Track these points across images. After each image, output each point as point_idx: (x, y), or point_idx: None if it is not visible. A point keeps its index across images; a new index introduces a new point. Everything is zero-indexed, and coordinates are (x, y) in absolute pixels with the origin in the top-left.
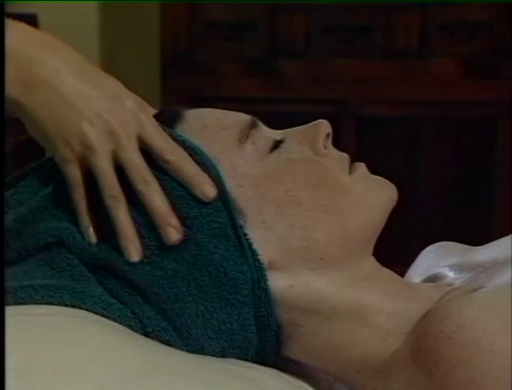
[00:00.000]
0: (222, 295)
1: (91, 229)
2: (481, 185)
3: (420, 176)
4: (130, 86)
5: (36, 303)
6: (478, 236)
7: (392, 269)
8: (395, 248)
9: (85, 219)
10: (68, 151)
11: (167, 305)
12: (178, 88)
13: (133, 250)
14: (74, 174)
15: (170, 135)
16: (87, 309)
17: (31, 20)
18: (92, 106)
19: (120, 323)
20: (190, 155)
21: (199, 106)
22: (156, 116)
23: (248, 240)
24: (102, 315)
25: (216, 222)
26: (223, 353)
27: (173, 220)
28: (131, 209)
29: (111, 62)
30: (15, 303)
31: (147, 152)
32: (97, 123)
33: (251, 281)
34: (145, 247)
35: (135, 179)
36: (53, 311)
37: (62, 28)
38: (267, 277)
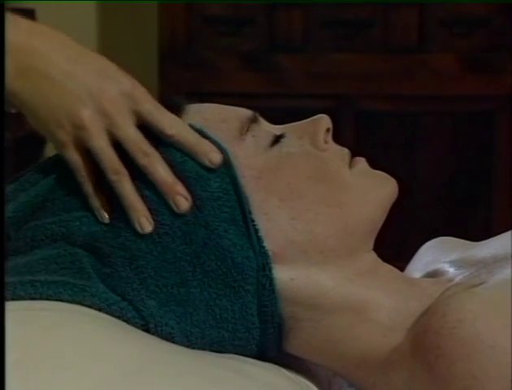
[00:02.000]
0: (227, 282)
1: (102, 209)
2: (480, 180)
3: (419, 171)
4: None
5: (35, 299)
6: (477, 231)
7: (390, 264)
8: (393, 242)
9: (95, 201)
10: (63, 134)
11: (173, 289)
12: (176, 83)
13: (144, 221)
14: (73, 156)
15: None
16: (88, 306)
17: (29, 15)
18: (82, 87)
19: (121, 319)
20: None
21: (197, 101)
22: None
23: (255, 226)
24: (103, 311)
25: (226, 206)
26: (222, 344)
27: (180, 189)
28: (137, 186)
29: (109, 57)
30: (14, 299)
31: (146, 129)
32: (88, 102)
33: (256, 268)
34: (156, 224)
35: (135, 154)
36: (53, 306)
37: (61, 23)
38: (272, 265)
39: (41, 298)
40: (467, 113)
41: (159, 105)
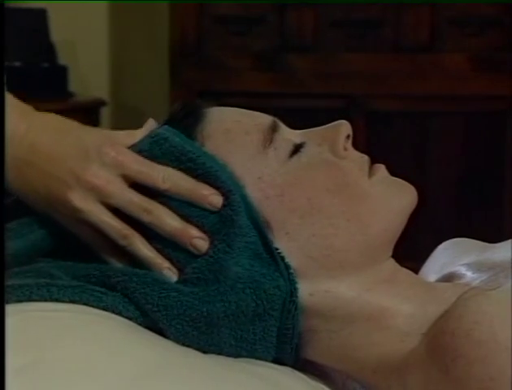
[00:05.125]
0: (256, 310)
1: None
2: (491, 180)
3: (430, 171)
4: (140, 81)
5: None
6: (488, 230)
7: (402, 264)
8: (405, 243)
9: (123, 260)
10: (64, 218)
11: (201, 323)
12: (187, 82)
13: (168, 272)
14: (82, 233)
15: (176, 151)
16: (104, 309)
17: (41, 15)
18: (65, 170)
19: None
20: (202, 174)
21: (208, 101)
22: (175, 113)
23: (280, 253)
24: (119, 315)
25: (249, 242)
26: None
27: (194, 232)
28: (156, 243)
29: (121, 57)
30: (30, 300)
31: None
32: (74, 184)
33: (284, 295)
34: (188, 269)
35: (137, 215)
36: (66, 307)
37: (72, 22)
38: (298, 289)
39: (57, 301)
40: (478, 113)
41: (145, 161)
